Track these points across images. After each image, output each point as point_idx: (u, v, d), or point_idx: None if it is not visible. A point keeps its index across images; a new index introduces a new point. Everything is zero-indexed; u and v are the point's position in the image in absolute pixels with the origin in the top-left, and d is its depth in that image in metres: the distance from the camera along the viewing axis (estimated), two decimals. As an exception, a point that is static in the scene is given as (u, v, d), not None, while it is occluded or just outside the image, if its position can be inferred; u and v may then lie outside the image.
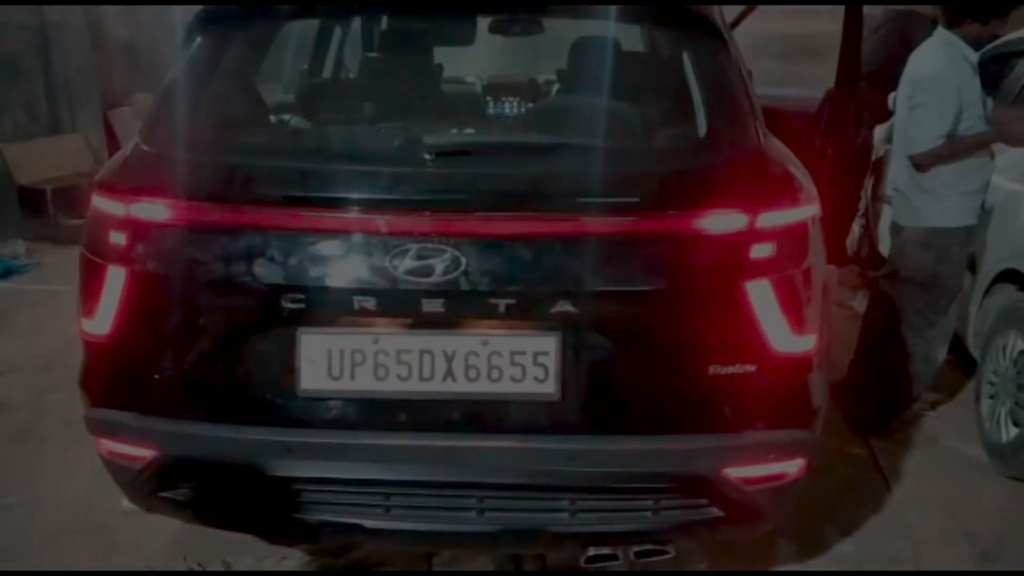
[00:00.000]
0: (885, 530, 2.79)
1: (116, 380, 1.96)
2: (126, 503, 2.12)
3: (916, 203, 3.11)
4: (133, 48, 7.88)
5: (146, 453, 1.93)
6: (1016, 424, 3.04)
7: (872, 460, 3.21)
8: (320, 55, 3.97)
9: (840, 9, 3.60)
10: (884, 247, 4.73)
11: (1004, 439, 3.09)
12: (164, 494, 1.99)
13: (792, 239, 1.85)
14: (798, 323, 1.85)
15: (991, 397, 3.25)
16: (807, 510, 2.71)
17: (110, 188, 1.93)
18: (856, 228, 5.49)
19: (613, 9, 2.15)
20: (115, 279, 1.88)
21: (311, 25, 4.00)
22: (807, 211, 1.90)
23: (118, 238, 1.87)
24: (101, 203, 1.93)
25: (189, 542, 2.61)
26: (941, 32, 3.04)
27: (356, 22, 4.10)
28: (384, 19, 3.40)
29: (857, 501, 2.93)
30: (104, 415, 1.96)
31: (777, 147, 2.06)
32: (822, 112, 3.76)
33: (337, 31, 4.09)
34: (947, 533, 2.78)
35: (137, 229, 1.86)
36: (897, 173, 3.24)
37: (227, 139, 2.08)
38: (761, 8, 4.48)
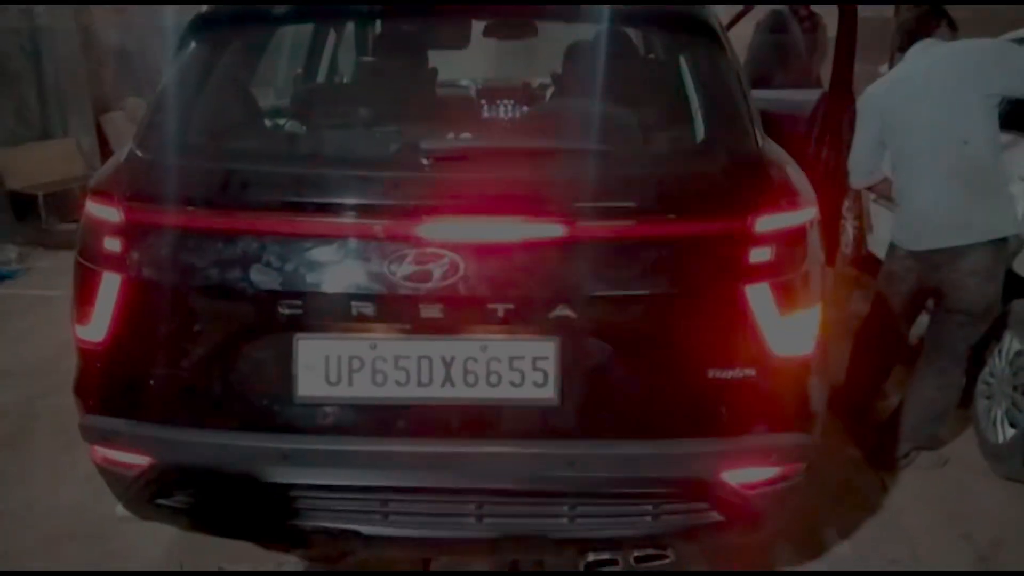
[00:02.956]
0: (883, 532, 2.79)
1: (111, 387, 1.94)
2: (120, 510, 2.09)
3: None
4: (125, 53, 7.86)
5: (141, 460, 1.91)
6: (1013, 425, 3.05)
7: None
8: (314, 59, 3.97)
9: (834, 11, 3.60)
10: (875, 248, 4.77)
11: (1000, 440, 3.10)
12: (160, 501, 1.97)
13: (791, 243, 1.84)
14: (797, 327, 1.85)
15: (987, 398, 3.26)
16: (805, 512, 2.72)
17: (104, 193, 1.91)
18: (850, 229, 5.53)
19: (609, 12, 2.14)
20: (109, 285, 1.86)
21: (305, 29, 4.00)
22: (805, 215, 1.89)
23: (112, 244, 1.85)
24: (95, 208, 1.91)
25: (184, 549, 2.59)
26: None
27: (350, 26, 4.10)
28: (378, 23, 3.40)
29: (854, 503, 2.94)
30: (98, 422, 1.94)
31: (775, 151, 2.05)
32: (816, 116, 3.76)
33: (331, 35, 4.09)
34: (945, 535, 2.79)
35: (132, 235, 1.84)
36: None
37: (222, 144, 2.06)
38: (756, 11, 4.50)
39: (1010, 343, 3.11)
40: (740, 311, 1.80)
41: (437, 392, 1.80)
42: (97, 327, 1.88)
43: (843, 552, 2.69)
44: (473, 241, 1.76)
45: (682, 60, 2.17)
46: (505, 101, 4.23)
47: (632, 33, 3.05)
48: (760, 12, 5.36)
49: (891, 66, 3.27)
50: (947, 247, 2.87)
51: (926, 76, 2.94)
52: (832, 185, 3.55)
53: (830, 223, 3.62)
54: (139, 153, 1.97)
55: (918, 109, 2.92)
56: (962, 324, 2.95)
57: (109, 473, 2.00)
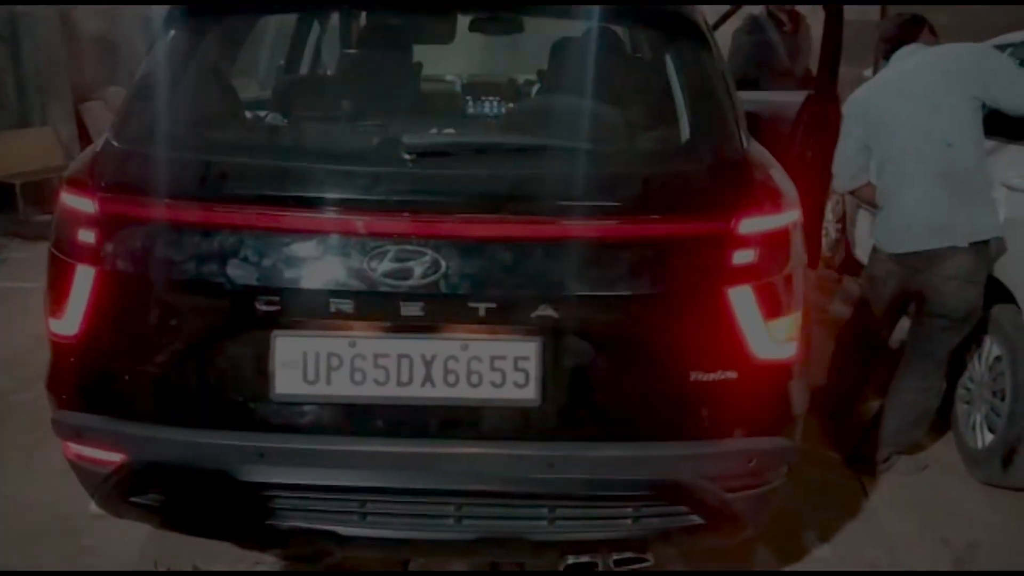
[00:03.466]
0: (862, 535, 2.80)
1: (84, 382, 1.91)
2: (94, 507, 2.05)
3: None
4: (106, 41, 7.76)
5: (115, 457, 1.88)
6: (991, 430, 3.06)
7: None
8: (297, 51, 3.92)
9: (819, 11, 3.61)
10: (858, 252, 4.79)
11: (979, 445, 3.11)
12: (133, 499, 1.93)
13: (774, 245, 1.84)
14: (779, 330, 1.84)
15: (966, 403, 3.27)
16: (784, 514, 2.73)
17: (79, 184, 1.87)
18: (832, 233, 5.55)
19: (596, 9, 2.13)
20: (84, 278, 1.82)
21: (289, 20, 3.96)
22: (789, 217, 1.89)
23: (87, 236, 1.82)
24: (70, 199, 1.87)
25: (160, 546, 2.55)
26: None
27: (334, 18, 4.06)
28: (363, 15, 3.36)
29: (833, 505, 2.94)
30: (71, 418, 1.91)
31: (760, 152, 2.05)
32: (801, 118, 3.76)
33: (315, 27, 4.04)
34: (923, 538, 2.79)
35: (107, 227, 1.81)
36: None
37: (201, 135, 2.03)
38: (742, 11, 4.49)
39: (990, 348, 3.12)
40: (722, 313, 1.79)
41: (417, 392, 1.77)
42: (70, 321, 1.85)
43: (822, 555, 2.69)
44: (455, 238, 1.73)
45: (668, 59, 2.16)
46: (490, 97, 4.20)
47: (618, 31, 3.04)
48: (740, 17, 5.40)
49: (875, 71, 3.27)
50: (929, 250, 2.88)
51: (910, 79, 2.96)
52: (815, 187, 3.57)
53: (812, 225, 3.63)
54: (116, 143, 1.93)
55: (902, 112, 2.93)
56: (943, 328, 2.96)
57: (82, 470, 1.96)
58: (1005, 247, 2.97)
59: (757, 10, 5.75)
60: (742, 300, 1.79)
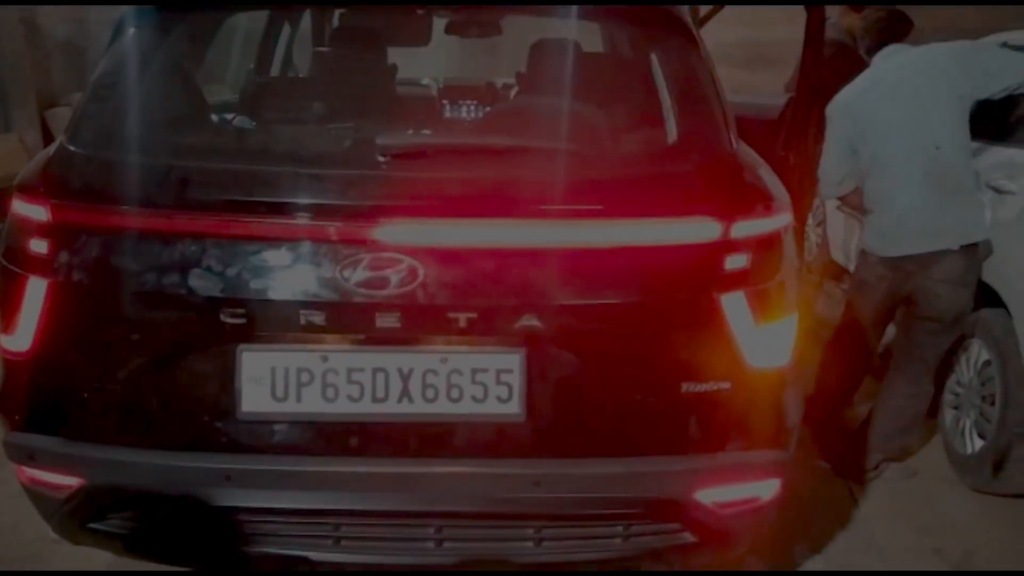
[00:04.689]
0: (854, 546, 2.74)
1: (38, 402, 1.81)
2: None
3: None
4: (73, 46, 7.58)
5: (71, 481, 1.78)
6: (981, 436, 3.01)
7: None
8: (268, 52, 3.82)
9: (799, 16, 3.56)
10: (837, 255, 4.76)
11: (969, 451, 3.06)
12: (92, 525, 1.84)
13: (767, 249, 1.78)
14: (773, 338, 1.78)
15: (955, 408, 3.22)
16: (775, 525, 2.66)
17: (31, 191, 1.78)
18: (812, 235, 5.52)
19: (577, 8, 2.05)
20: (36, 291, 1.72)
21: (258, 26, 3.85)
22: (781, 220, 1.83)
23: (39, 246, 1.72)
24: (21, 207, 1.78)
25: (124, 572, 2.43)
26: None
27: (306, 18, 3.97)
28: (336, 15, 3.28)
29: (824, 516, 2.88)
30: (25, 440, 1.81)
31: (749, 154, 1.98)
32: (784, 120, 3.72)
33: (286, 27, 3.94)
34: (915, 548, 2.74)
35: (60, 236, 1.71)
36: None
37: (162, 139, 1.92)
38: (719, 14, 4.43)
39: (978, 353, 3.08)
40: (714, 321, 1.72)
41: (393, 408, 1.69)
42: (22, 336, 1.75)
43: (815, 566, 2.63)
44: (433, 245, 1.65)
45: (653, 58, 2.09)
46: (468, 100, 4.12)
47: (601, 30, 2.97)
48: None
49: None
50: (920, 253, 2.84)
51: (896, 80, 2.92)
52: (799, 190, 3.51)
53: (796, 228, 3.57)
54: (70, 147, 1.83)
55: (889, 114, 2.89)
56: (933, 332, 2.92)
57: (37, 494, 1.86)
58: (992, 249, 2.93)
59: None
60: (735, 307, 1.72)
